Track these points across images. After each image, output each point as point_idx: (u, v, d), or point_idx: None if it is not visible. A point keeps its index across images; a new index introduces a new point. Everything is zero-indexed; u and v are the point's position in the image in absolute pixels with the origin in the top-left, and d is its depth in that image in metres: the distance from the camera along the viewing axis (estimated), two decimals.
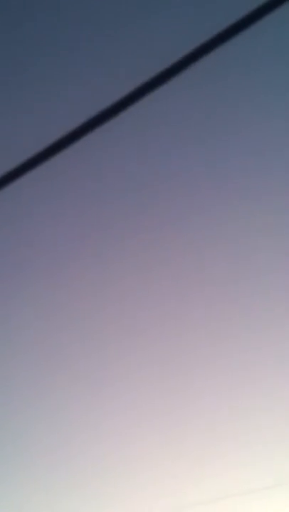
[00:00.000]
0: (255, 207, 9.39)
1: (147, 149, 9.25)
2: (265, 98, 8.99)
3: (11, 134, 8.64)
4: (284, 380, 9.47)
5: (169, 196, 9.47)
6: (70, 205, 9.53)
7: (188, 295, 9.76)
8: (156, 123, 8.92)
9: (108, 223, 9.58)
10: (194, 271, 9.73)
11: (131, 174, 9.37)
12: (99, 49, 8.68)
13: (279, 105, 8.94)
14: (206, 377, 9.75)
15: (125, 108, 2.41)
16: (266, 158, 9.25)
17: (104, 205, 9.50)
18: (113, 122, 2.45)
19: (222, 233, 9.55)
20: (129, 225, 9.56)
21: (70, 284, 9.77)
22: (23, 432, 9.89)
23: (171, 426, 9.72)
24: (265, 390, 9.59)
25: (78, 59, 8.75)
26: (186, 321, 9.79)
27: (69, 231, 9.59)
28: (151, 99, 2.49)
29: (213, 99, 8.93)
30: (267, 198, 9.40)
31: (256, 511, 9.17)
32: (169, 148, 9.24)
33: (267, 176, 9.37)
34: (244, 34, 2.78)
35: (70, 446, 9.84)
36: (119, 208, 9.48)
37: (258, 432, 9.44)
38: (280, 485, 9.06)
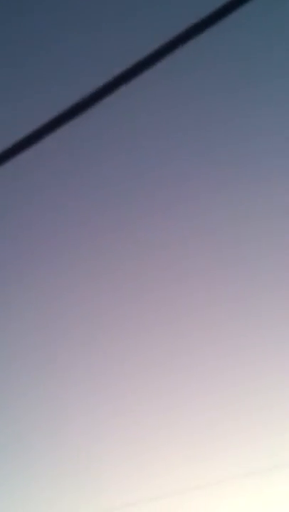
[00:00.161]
0: (256, 205, 9.37)
1: (147, 130, 9.19)
2: (264, 88, 8.95)
3: (6, 113, 8.58)
4: (280, 364, 9.50)
5: (169, 184, 9.44)
6: (69, 192, 9.50)
7: (187, 289, 9.77)
8: (156, 104, 8.87)
9: (108, 215, 9.56)
10: (194, 266, 9.73)
11: (130, 159, 9.34)
12: (96, 26, 8.62)
13: (279, 99, 8.90)
14: (205, 363, 9.78)
15: (126, 83, 2.38)
16: (265, 153, 9.23)
17: (104, 193, 9.47)
18: (112, 99, 2.42)
19: (222, 226, 9.54)
20: (128, 217, 9.53)
21: (70, 277, 9.76)
22: (23, 425, 9.91)
23: (167, 410, 9.75)
24: (262, 373, 9.62)
25: (75, 36, 8.69)
26: (181, 312, 9.80)
27: (68, 222, 9.56)
28: (152, 76, 2.46)
29: (213, 81, 8.87)
30: (267, 196, 9.38)
31: (253, 494, 9.21)
32: (169, 133, 9.20)
33: (267, 172, 9.35)
34: (241, 13, 2.74)
35: (69, 434, 9.87)
36: (119, 197, 9.45)
37: (255, 414, 9.48)
38: (277, 467, 9.10)
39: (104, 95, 2.41)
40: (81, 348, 9.86)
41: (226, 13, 2.64)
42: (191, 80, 8.72)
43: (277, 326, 9.58)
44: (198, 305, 9.74)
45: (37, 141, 2.52)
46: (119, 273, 9.64)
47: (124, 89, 2.55)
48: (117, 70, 2.35)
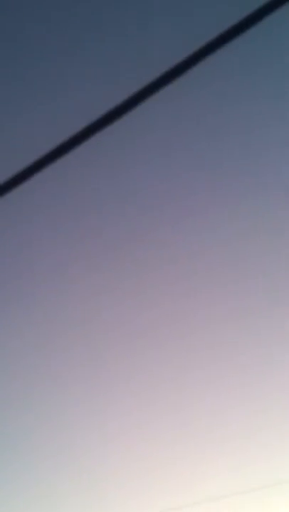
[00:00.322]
0: (255, 212, 9.41)
1: (147, 154, 9.27)
2: (264, 102, 9.00)
3: (11, 140, 8.66)
4: (283, 380, 9.49)
5: (168, 201, 9.49)
6: (70, 211, 9.55)
7: (187, 297, 9.78)
8: (156, 128, 8.94)
9: (107, 230, 9.60)
10: (193, 274, 9.75)
11: (130, 180, 9.39)
12: (99, 56, 8.69)
13: (278, 110, 8.96)
14: (206, 378, 9.77)
15: (125, 113, 2.42)
16: (264, 163, 9.27)
17: (104, 211, 9.52)
18: (112, 128, 2.46)
19: (220, 237, 9.57)
20: (128, 230, 9.57)
21: (71, 283, 9.79)
22: (24, 434, 9.90)
23: (171, 427, 9.74)
24: (265, 391, 9.61)
25: (77, 66, 8.78)
26: (186, 323, 9.81)
27: (69, 236, 9.61)
28: (151, 104, 2.49)
29: (212, 104, 8.95)
30: (266, 200, 9.41)
31: (256, 510, 9.18)
32: (168, 153, 9.26)
33: (265, 179, 9.39)
34: (243, 37, 2.78)
35: (71, 447, 9.86)
36: (119, 214, 9.49)
37: (257, 432, 9.46)
38: (279, 484, 9.07)
39: (102, 126, 2.45)
40: (84, 363, 9.87)
41: (229, 37, 2.68)
42: (194, 95, 8.78)
43: (282, 345, 9.57)
44: (201, 318, 9.75)
45: (38, 162, 2.56)
46: (122, 286, 9.67)
47: (127, 115, 2.58)
48: (116, 101, 2.39)
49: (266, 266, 9.54)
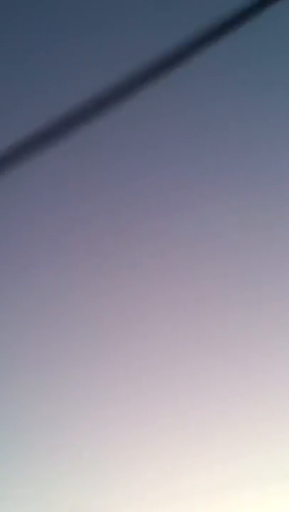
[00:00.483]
0: (256, 202, 9.41)
1: (149, 138, 9.25)
2: (265, 94, 8.99)
3: (7, 121, 8.64)
4: (281, 373, 9.53)
5: (170, 188, 9.49)
6: (69, 194, 9.56)
7: (187, 285, 9.81)
8: (158, 113, 8.92)
9: (107, 214, 9.61)
10: (194, 262, 9.77)
11: (131, 165, 9.39)
12: (97, 39, 8.67)
13: (280, 103, 8.95)
14: (206, 367, 9.81)
15: (125, 97, 2.42)
16: (265, 153, 9.27)
17: (103, 195, 9.53)
18: (113, 110, 2.46)
19: (221, 227, 9.58)
20: (128, 215, 9.58)
21: (70, 276, 9.82)
22: (23, 425, 9.95)
23: (167, 417, 9.78)
24: (264, 383, 9.65)
25: (75, 52, 8.75)
26: (183, 316, 9.83)
27: (68, 219, 9.62)
28: (153, 87, 2.49)
29: (214, 91, 8.93)
30: (268, 197, 9.42)
31: (253, 502, 9.23)
32: (170, 139, 9.25)
33: (266, 170, 9.39)
34: (245, 28, 2.78)
35: (69, 436, 9.90)
36: (118, 200, 9.50)
37: (256, 423, 9.50)
38: (277, 477, 9.12)
39: (105, 104, 2.45)
40: (82, 344, 9.90)
41: (229, 27, 2.68)
42: (195, 91, 8.78)
43: (279, 334, 9.62)
44: (199, 314, 9.78)
45: (37, 148, 2.56)
46: (123, 270, 9.68)
47: (125, 98, 2.58)
48: (118, 81, 2.39)
49: (267, 256, 9.56)
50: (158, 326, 9.97)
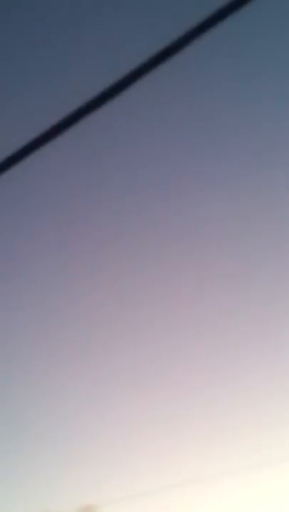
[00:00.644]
0: (257, 202, 9.43)
1: (145, 134, 9.24)
2: (263, 82, 8.99)
3: (8, 120, 8.61)
4: (281, 361, 9.59)
5: (168, 184, 9.49)
6: (68, 192, 9.54)
7: (187, 287, 9.83)
8: (155, 107, 8.91)
9: (107, 215, 9.60)
10: (194, 263, 9.79)
11: (128, 163, 9.38)
12: (97, 34, 8.64)
13: (277, 91, 8.95)
14: (207, 369, 9.86)
15: (123, 91, 2.42)
16: (264, 146, 9.28)
17: (103, 193, 9.51)
18: (110, 106, 2.46)
19: (221, 228, 9.60)
20: (128, 213, 9.58)
21: (71, 265, 9.81)
22: (24, 424, 9.97)
23: (169, 404, 9.83)
24: (264, 369, 9.70)
25: (74, 45, 8.71)
26: (182, 316, 9.87)
27: (68, 218, 9.60)
28: (151, 81, 2.50)
29: (213, 82, 8.92)
30: (267, 194, 9.43)
31: (254, 486, 9.31)
32: (167, 134, 9.24)
33: (266, 162, 9.40)
34: (241, 16, 2.78)
35: (67, 431, 9.93)
36: (117, 199, 9.49)
37: (256, 409, 9.56)
38: (278, 461, 9.19)
39: (104, 101, 2.45)
40: (83, 345, 9.92)
41: (225, 15, 2.68)
42: (192, 82, 8.77)
43: (276, 321, 9.66)
44: (198, 311, 9.81)
45: (39, 146, 2.56)
46: (123, 270, 9.70)
47: (124, 94, 2.58)
48: (114, 78, 2.39)
49: (267, 255, 9.58)
50: (158, 327, 9.97)
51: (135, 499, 9.33)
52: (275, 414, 9.44)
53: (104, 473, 9.70)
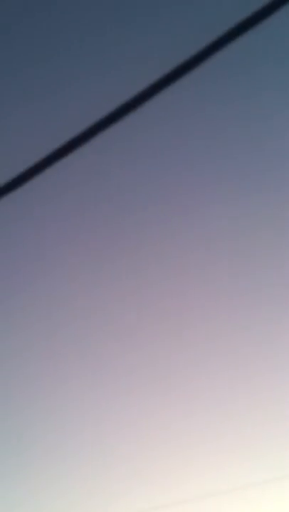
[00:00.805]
0: (254, 209, 9.45)
1: (147, 155, 9.30)
2: (264, 104, 9.05)
3: (13, 142, 8.70)
4: (279, 377, 9.53)
5: (169, 201, 9.53)
6: (71, 211, 9.60)
7: (188, 296, 9.82)
8: (157, 129, 8.98)
9: (108, 228, 9.64)
10: (194, 273, 9.78)
11: (130, 180, 9.43)
12: (99, 58, 8.73)
13: (278, 112, 9.01)
14: (207, 373, 9.81)
15: (125, 115, 2.46)
16: (265, 163, 9.32)
17: (105, 209, 9.56)
18: (112, 130, 2.50)
19: (220, 234, 9.61)
20: (129, 228, 9.61)
21: (73, 273, 9.83)
22: (25, 429, 9.95)
23: (172, 421, 9.78)
24: (264, 386, 9.65)
25: (78, 68, 8.81)
26: (184, 321, 9.85)
27: (70, 234, 9.64)
28: (152, 105, 2.54)
29: (213, 104, 8.99)
30: (265, 199, 9.45)
31: (254, 505, 9.22)
32: (168, 154, 9.30)
33: (265, 179, 9.43)
34: (243, 39, 2.82)
35: (70, 443, 9.90)
36: (119, 214, 9.54)
37: (254, 428, 9.49)
38: (277, 479, 9.11)
39: (103, 128, 2.49)
40: (83, 349, 9.91)
41: (227, 42, 2.72)
42: (193, 97, 8.82)
43: (280, 340, 9.61)
44: (200, 317, 9.79)
45: (41, 160, 2.61)
46: (120, 278, 9.72)
47: (127, 110, 2.63)
48: (116, 103, 2.43)
49: (267, 261, 9.57)
50: (158, 335, 9.94)
51: None
52: None
53: (107, 489, 9.64)
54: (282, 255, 9.45)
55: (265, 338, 9.60)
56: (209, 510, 9.27)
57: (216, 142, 9.32)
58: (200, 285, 9.82)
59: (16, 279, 9.91)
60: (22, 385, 9.96)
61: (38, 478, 9.83)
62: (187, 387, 9.80)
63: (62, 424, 9.93)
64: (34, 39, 8.85)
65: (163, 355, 9.82)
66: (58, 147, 2.57)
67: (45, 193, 9.06)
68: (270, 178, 9.44)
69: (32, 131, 8.85)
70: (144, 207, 9.64)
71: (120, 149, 9.05)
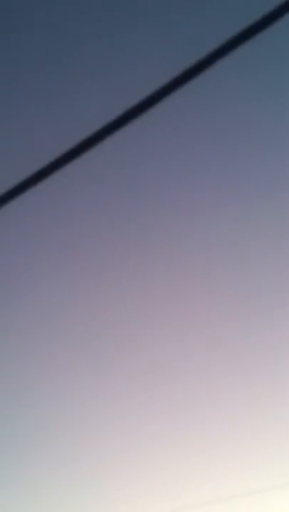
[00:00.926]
0: (254, 214, 9.46)
1: (148, 163, 9.32)
2: (266, 111, 9.06)
3: (13, 152, 8.72)
4: (283, 384, 9.52)
5: (170, 208, 9.54)
6: (73, 217, 9.60)
7: (189, 303, 9.81)
8: (158, 136, 8.99)
9: (109, 236, 9.64)
10: (195, 279, 9.78)
11: (132, 186, 9.44)
12: (99, 65, 8.74)
13: (280, 119, 9.02)
14: (207, 380, 9.80)
15: (126, 123, 2.46)
16: (264, 170, 9.33)
17: (105, 219, 9.57)
18: (114, 137, 2.50)
19: (220, 238, 9.61)
20: (129, 235, 9.61)
21: (73, 290, 9.83)
22: (25, 435, 9.94)
23: (173, 429, 9.76)
24: (269, 392, 9.63)
25: (78, 77, 8.82)
26: (187, 327, 9.84)
27: (69, 242, 9.65)
28: (153, 113, 2.54)
29: (212, 113, 9.00)
30: (269, 208, 9.45)
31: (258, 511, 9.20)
32: (169, 161, 9.31)
33: (265, 185, 9.45)
34: (243, 48, 2.82)
35: (73, 449, 9.88)
36: (121, 221, 9.54)
37: (259, 434, 9.48)
38: (276, 487, 9.09)
39: (107, 130, 2.49)
40: (84, 355, 9.91)
41: (225, 52, 2.72)
42: (193, 107, 8.83)
43: (282, 347, 9.60)
44: (201, 324, 9.78)
45: (43, 166, 2.61)
46: (121, 281, 9.73)
47: (127, 120, 2.63)
48: (115, 112, 2.44)
49: (266, 263, 9.58)
50: (159, 341, 9.93)
51: None
52: None
53: (106, 486, 9.62)
54: (286, 261, 9.45)
55: (268, 345, 9.60)
56: None
57: (217, 149, 9.33)
58: (201, 291, 9.82)
59: (16, 284, 9.92)
60: (22, 391, 9.95)
61: (37, 485, 9.82)
62: (188, 394, 9.79)
63: (62, 430, 9.92)
64: (35, 47, 8.86)
65: (164, 362, 9.82)
66: (60, 154, 2.57)
67: (47, 199, 9.06)
68: (272, 184, 9.46)
69: (34, 137, 8.86)
70: (145, 213, 9.65)
71: (122, 156, 9.05)
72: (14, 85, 8.96)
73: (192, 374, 9.77)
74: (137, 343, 9.82)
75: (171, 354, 9.79)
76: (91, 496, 9.59)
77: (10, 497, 9.65)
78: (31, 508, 9.62)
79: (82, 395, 9.85)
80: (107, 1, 8.52)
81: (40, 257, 9.86)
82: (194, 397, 9.71)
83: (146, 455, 9.66)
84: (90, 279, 9.87)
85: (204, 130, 9.19)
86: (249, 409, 9.59)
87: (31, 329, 9.93)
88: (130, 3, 8.52)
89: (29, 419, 9.97)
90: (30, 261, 9.86)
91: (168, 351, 9.79)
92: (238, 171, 9.48)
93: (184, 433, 9.66)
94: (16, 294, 9.91)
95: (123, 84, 8.45)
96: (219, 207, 9.56)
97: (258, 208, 9.51)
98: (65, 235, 9.75)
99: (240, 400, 9.59)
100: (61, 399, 9.93)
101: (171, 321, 9.89)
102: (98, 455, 9.78)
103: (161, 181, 9.51)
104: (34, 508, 9.64)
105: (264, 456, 9.35)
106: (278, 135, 9.17)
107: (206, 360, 9.72)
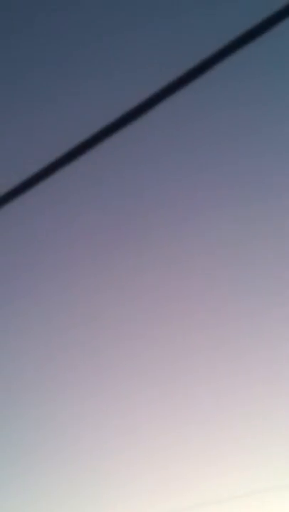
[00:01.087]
0: (254, 215, 9.46)
1: (147, 164, 9.33)
2: (265, 114, 9.07)
3: (14, 152, 8.72)
4: (283, 383, 9.52)
5: (170, 209, 9.54)
6: (72, 218, 9.61)
7: (189, 303, 9.82)
8: (157, 138, 9.00)
9: (108, 237, 9.65)
10: (195, 280, 9.78)
11: (131, 187, 9.45)
12: (99, 66, 8.75)
13: (279, 124, 9.03)
14: (207, 380, 9.80)
15: (126, 124, 2.46)
16: (264, 171, 9.34)
17: (105, 218, 9.57)
18: (113, 139, 2.50)
19: (220, 239, 9.61)
20: (129, 235, 9.61)
21: (73, 291, 9.83)
22: (24, 435, 9.94)
23: (173, 428, 9.77)
24: (269, 392, 9.63)
25: (79, 78, 8.83)
26: (187, 327, 9.85)
27: (69, 241, 9.66)
28: (152, 115, 2.54)
29: (213, 114, 9.01)
30: (269, 209, 9.46)
31: None
32: (168, 163, 9.31)
33: (265, 186, 9.45)
34: (244, 51, 2.83)
35: (72, 448, 9.88)
36: (120, 222, 9.55)
37: (259, 434, 9.48)
38: (283, 486, 9.09)
39: (107, 131, 2.50)
40: (83, 355, 9.91)
41: (226, 55, 2.73)
42: (194, 108, 8.83)
43: (283, 348, 9.61)
44: (200, 324, 9.78)
45: (43, 166, 2.61)
46: (122, 288, 9.73)
47: (127, 121, 2.63)
48: (115, 113, 2.44)
49: (266, 263, 9.59)
50: (158, 342, 9.93)
51: None
52: None
53: (106, 486, 9.62)
54: (287, 260, 9.46)
55: (268, 345, 9.61)
56: None
57: (217, 150, 9.33)
58: (201, 291, 9.82)
59: (16, 284, 9.92)
60: (21, 391, 9.96)
61: (36, 484, 9.82)
62: (188, 393, 9.80)
63: (61, 430, 9.92)
64: (36, 47, 8.87)
65: (164, 362, 9.83)
66: (60, 154, 2.58)
67: (47, 199, 9.06)
68: (272, 185, 9.47)
69: (34, 138, 8.86)
70: (146, 214, 9.66)
71: (122, 156, 9.06)
72: (14, 86, 8.97)
73: (192, 374, 9.78)
74: (137, 343, 9.83)
75: (171, 354, 9.80)
76: (90, 495, 9.60)
77: (9, 497, 9.66)
78: (31, 508, 9.63)
79: (82, 395, 9.86)
80: (107, 1, 8.53)
81: (40, 257, 9.87)
82: (194, 397, 9.72)
83: (146, 455, 9.67)
84: (90, 279, 9.87)
85: (204, 132, 9.20)
86: (249, 409, 9.59)
87: (31, 329, 9.94)
88: (131, 3, 8.53)
89: (28, 419, 9.98)
90: (31, 261, 9.86)
91: (168, 351, 9.80)
92: (238, 172, 9.50)
93: (184, 433, 9.67)
94: (16, 294, 9.92)
95: (123, 85, 8.46)
96: (219, 207, 9.58)
97: (258, 209, 9.53)
98: (65, 235, 9.76)
99: (240, 399, 9.60)
100: (61, 398, 9.94)
101: (170, 321, 9.90)
102: (98, 455, 9.79)
103: (161, 182, 9.53)
104: (34, 508, 9.64)
105: (265, 457, 9.36)
106: (279, 137, 9.18)
107: (206, 360, 9.73)
